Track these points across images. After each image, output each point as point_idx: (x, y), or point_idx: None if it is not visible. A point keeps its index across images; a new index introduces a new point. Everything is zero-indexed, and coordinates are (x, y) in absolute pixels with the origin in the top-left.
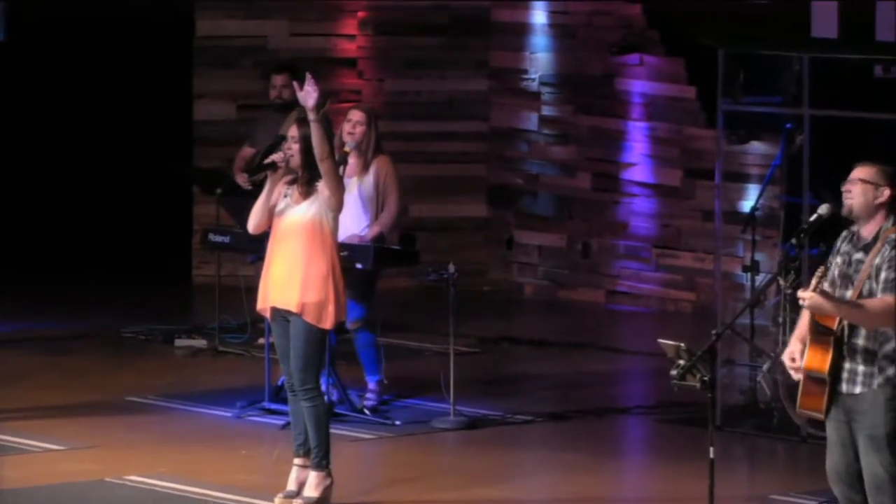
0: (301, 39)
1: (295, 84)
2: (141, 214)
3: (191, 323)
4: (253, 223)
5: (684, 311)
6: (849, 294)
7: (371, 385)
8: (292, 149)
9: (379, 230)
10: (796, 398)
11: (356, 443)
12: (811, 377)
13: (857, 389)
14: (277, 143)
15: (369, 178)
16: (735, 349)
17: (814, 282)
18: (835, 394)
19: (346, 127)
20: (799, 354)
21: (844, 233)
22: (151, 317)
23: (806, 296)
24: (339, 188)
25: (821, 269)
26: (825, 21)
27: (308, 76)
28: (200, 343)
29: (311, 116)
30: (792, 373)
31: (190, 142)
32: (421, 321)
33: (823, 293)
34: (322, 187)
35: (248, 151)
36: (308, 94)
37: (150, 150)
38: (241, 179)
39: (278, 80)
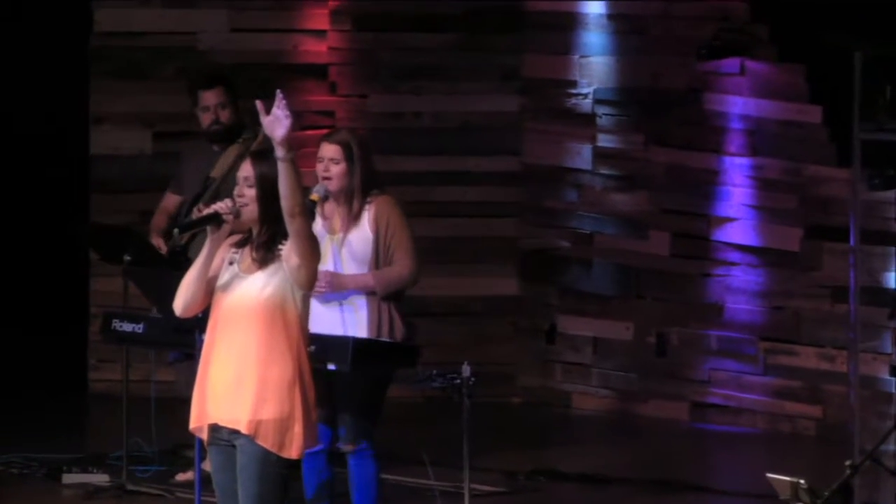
0: (246, 38)
1: (259, 106)
2: (14, 293)
3: (86, 449)
4: (183, 301)
5: (805, 433)
6: None
7: None
8: (245, 195)
9: (372, 283)
10: None
11: None
12: None
13: None
14: (206, 189)
15: (361, 231)
16: (879, 487)
17: None
18: None
19: (319, 169)
20: None
21: None
22: (30, 441)
23: None
24: (312, 256)
25: None
26: None
27: (279, 95)
28: (100, 478)
29: (280, 153)
30: None
31: (85, 186)
32: (422, 446)
33: None
34: (288, 252)
35: (172, 201)
36: (277, 122)
37: (27, 199)
38: (161, 242)
39: (209, 97)
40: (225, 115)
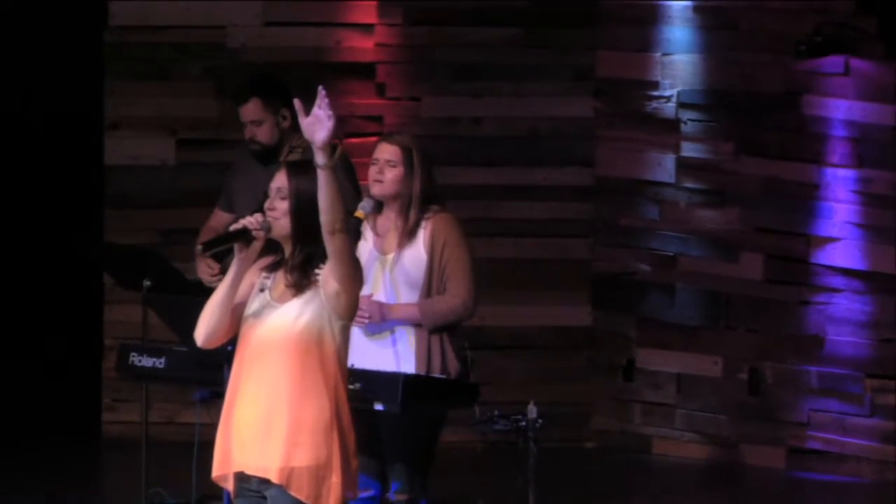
0: (283, 33)
1: (297, 105)
2: (17, 322)
3: (99, 501)
4: (205, 329)
5: None
6: None
7: None
8: (277, 208)
9: (418, 315)
10: None
11: None
12: None
13: None
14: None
15: (415, 251)
16: None
17: None
18: None
19: (372, 172)
20: None
21: None
22: (35, 492)
23: None
24: (353, 281)
25: None
26: None
27: (321, 92)
28: None
29: (320, 160)
30: None
31: (99, 200)
32: (483, 497)
33: None
34: (326, 276)
35: (221, 218)
36: (318, 123)
37: (34, 215)
38: (205, 271)
39: (244, 112)
40: (263, 134)
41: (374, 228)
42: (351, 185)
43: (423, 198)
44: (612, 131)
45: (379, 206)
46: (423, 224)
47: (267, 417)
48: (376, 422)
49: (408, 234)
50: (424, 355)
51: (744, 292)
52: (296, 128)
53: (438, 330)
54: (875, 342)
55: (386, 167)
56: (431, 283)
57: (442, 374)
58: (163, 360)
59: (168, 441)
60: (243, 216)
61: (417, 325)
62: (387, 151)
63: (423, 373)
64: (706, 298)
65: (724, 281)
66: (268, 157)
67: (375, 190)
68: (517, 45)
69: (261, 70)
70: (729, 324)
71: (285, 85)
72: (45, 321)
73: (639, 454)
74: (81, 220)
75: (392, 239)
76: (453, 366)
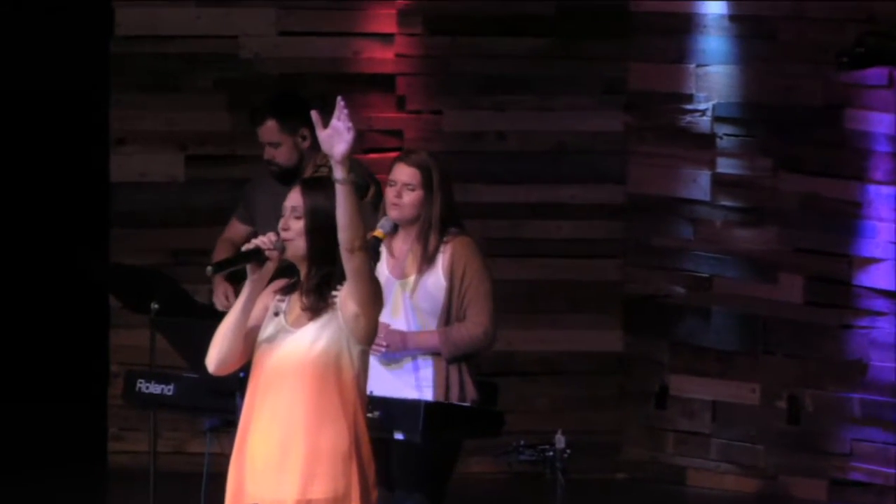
0: (298, 42)
1: (314, 117)
2: (19, 347)
3: None
4: (217, 355)
5: None
6: None
7: None
8: (291, 228)
9: (437, 343)
10: None
11: None
12: None
13: None
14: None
15: (434, 277)
16: None
17: None
18: None
19: (390, 194)
20: None
21: None
22: None
23: None
24: (373, 302)
25: None
26: None
27: (339, 103)
28: None
29: (339, 174)
30: None
31: (105, 219)
32: None
33: None
34: (344, 298)
35: (239, 230)
36: (337, 136)
37: (36, 235)
38: (221, 298)
39: (260, 133)
40: (281, 155)
41: (389, 250)
42: (371, 203)
43: (442, 221)
44: (644, 147)
45: (396, 227)
46: (442, 248)
47: (282, 447)
48: (387, 448)
49: (427, 261)
50: (443, 383)
51: (783, 316)
52: (316, 146)
53: (457, 359)
54: None
55: (404, 190)
56: (451, 310)
57: (459, 402)
58: (172, 387)
59: (177, 472)
60: (264, 234)
61: (436, 353)
62: (405, 173)
63: (442, 401)
64: (743, 322)
65: (762, 304)
66: (288, 178)
67: (393, 213)
68: (544, 55)
69: (278, 88)
70: (767, 349)
71: (304, 103)
72: (49, 346)
73: (672, 486)
74: (86, 240)
75: (410, 262)
76: (471, 395)
